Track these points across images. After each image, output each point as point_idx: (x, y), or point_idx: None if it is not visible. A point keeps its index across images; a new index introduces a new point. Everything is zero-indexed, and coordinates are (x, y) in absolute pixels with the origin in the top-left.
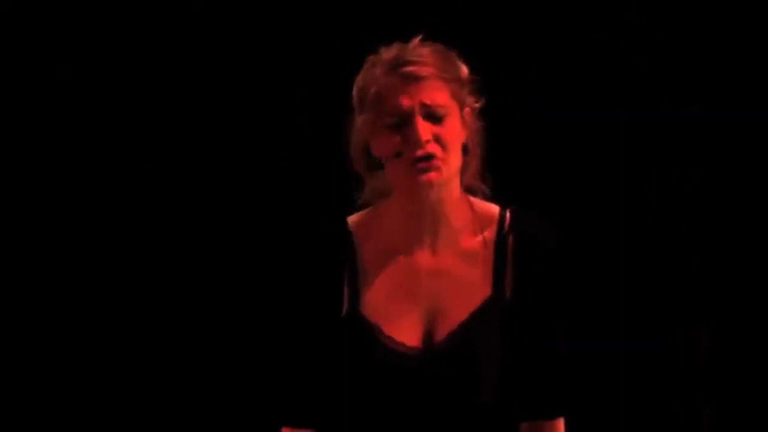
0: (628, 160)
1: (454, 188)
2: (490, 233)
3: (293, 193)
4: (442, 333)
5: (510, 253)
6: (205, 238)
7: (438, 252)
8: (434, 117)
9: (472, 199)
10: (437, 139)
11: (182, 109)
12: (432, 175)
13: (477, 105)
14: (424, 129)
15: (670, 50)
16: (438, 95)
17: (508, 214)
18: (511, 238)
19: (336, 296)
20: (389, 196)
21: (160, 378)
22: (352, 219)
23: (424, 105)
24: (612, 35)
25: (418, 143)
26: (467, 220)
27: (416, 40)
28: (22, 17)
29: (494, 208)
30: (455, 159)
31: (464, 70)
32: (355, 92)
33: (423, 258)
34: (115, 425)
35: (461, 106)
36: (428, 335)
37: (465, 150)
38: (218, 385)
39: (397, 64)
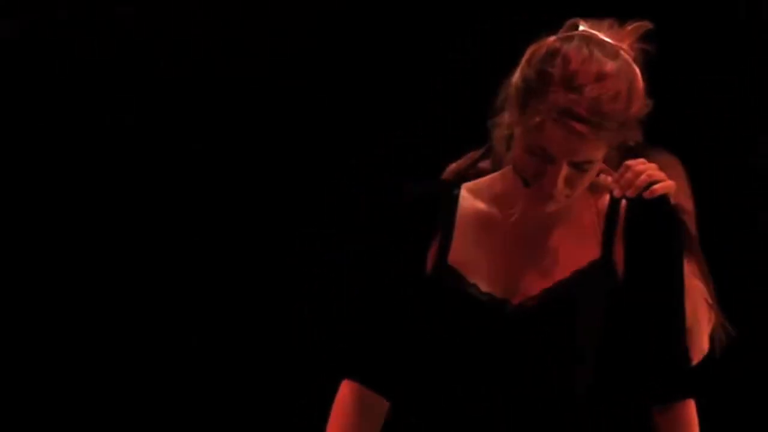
0: None
1: None
2: (602, 201)
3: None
4: (535, 289)
5: (622, 221)
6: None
7: (546, 216)
8: (579, 167)
9: None
10: (569, 184)
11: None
12: (548, 206)
13: (632, 143)
14: (562, 179)
15: None
16: (592, 153)
17: None
18: (623, 206)
19: (420, 251)
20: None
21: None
22: (467, 184)
23: (573, 161)
24: None
25: (548, 191)
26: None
27: (596, 65)
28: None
29: (608, 178)
30: (581, 191)
31: (638, 105)
32: (515, 89)
33: (528, 220)
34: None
35: (615, 144)
36: (521, 289)
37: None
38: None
39: (566, 112)
